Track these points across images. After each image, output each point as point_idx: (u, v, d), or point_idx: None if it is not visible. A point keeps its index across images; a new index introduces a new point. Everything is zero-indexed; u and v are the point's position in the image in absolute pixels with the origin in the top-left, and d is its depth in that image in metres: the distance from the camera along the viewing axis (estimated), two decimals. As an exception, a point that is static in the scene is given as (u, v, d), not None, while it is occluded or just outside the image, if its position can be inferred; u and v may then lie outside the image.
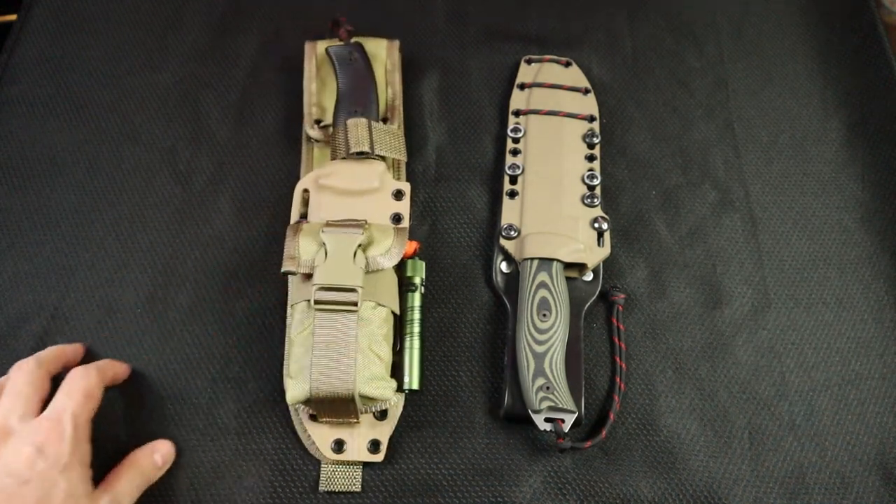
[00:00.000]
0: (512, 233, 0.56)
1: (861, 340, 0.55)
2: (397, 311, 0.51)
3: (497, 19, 0.70)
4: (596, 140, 0.61)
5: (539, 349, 0.50)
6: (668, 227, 0.59)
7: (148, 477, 0.47)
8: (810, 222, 0.60)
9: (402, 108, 0.61)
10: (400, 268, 0.53)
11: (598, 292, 0.55)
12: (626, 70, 0.67)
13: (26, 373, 0.46)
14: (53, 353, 0.49)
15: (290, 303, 0.52)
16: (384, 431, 0.49)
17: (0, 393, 0.45)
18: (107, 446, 0.47)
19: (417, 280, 0.53)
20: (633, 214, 0.59)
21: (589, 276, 0.55)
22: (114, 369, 0.49)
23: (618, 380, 0.52)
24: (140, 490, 0.46)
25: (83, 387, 0.45)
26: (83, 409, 0.44)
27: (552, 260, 0.53)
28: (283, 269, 0.50)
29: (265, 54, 0.67)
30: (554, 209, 0.57)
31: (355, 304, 0.47)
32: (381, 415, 0.50)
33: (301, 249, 0.50)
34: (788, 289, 0.57)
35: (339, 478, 0.49)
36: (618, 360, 0.53)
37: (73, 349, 0.51)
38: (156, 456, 0.47)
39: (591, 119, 0.62)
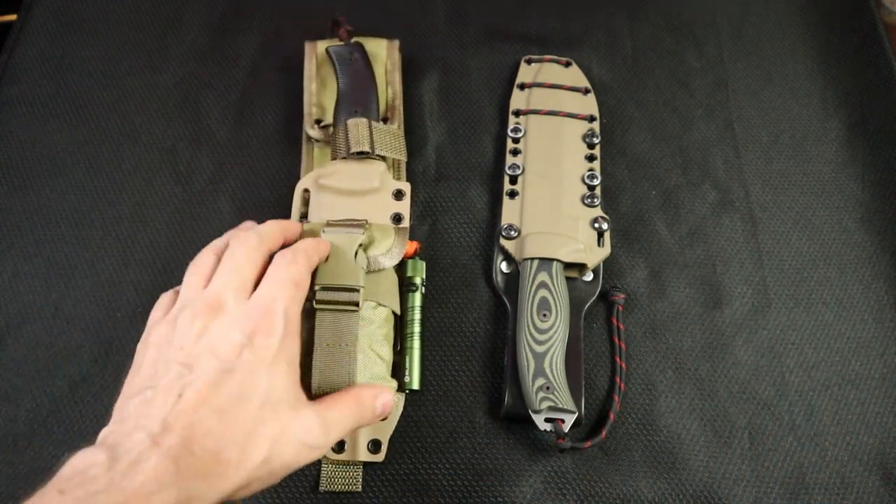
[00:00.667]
0: (512, 233, 0.56)
1: (861, 340, 0.55)
2: (398, 312, 0.51)
3: (497, 19, 0.70)
4: (596, 140, 0.61)
5: (539, 349, 0.50)
6: (668, 227, 0.59)
7: (363, 417, 0.42)
8: (810, 222, 0.60)
9: (402, 108, 0.61)
10: (400, 268, 0.53)
11: (598, 292, 0.55)
12: (626, 70, 0.67)
13: (248, 248, 0.43)
14: (274, 230, 0.45)
15: (290, 303, 0.52)
16: (385, 431, 0.49)
17: (216, 261, 0.43)
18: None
19: (418, 280, 0.53)
20: (633, 214, 0.59)
21: (589, 276, 0.55)
22: (318, 252, 0.45)
23: (618, 380, 0.52)
24: (351, 428, 0.42)
25: (293, 275, 0.42)
26: (293, 301, 0.41)
27: (552, 260, 0.53)
28: (283, 269, 0.50)
29: (265, 54, 0.67)
30: (554, 209, 0.57)
31: (356, 304, 0.47)
32: (382, 415, 0.50)
33: (301, 249, 0.50)
34: (788, 289, 0.57)
35: (339, 478, 0.49)
36: (618, 360, 0.53)
37: (293, 227, 0.48)
38: (378, 401, 0.43)
39: (591, 119, 0.62)
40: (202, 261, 0.44)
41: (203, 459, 0.35)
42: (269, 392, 0.37)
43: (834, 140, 0.65)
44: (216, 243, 0.45)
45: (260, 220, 0.57)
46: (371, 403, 0.43)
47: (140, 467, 0.33)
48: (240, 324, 0.39)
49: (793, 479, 0.50)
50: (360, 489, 0.48)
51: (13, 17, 0.70)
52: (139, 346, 0.42)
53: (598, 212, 0.57)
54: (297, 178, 0.57)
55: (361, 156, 0.56)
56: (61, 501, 0.32)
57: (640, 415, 0.51)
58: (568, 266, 0.54)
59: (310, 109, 0.60)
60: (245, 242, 0.43)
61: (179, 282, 0.55)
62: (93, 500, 0.32)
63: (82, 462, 0.34)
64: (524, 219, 0.56)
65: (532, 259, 0.53)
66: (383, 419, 0.48)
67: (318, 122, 0.59)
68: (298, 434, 0.38)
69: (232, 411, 0.36)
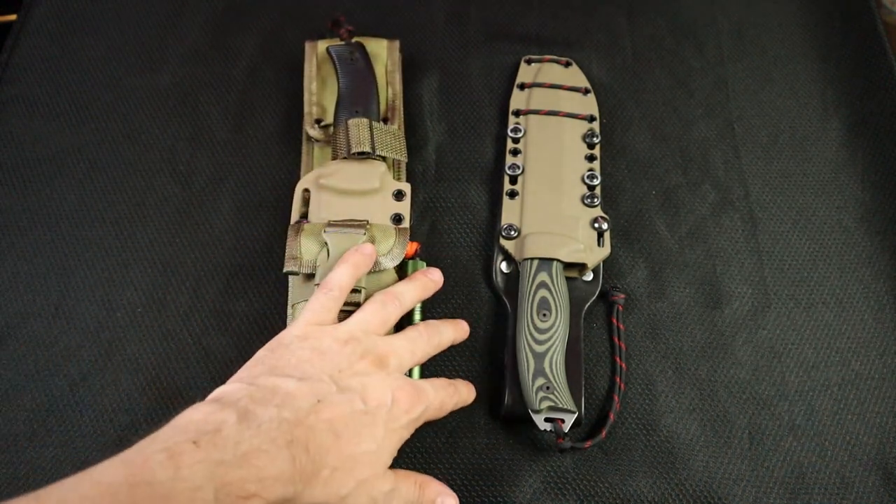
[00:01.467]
0: (512, 233, 0.56)
1: (861, 340, 0.55)
2: (398, 312, 0.51)
3: (497, 19, 0.70)
4: (596, 140, 0.61)
5: (539, 349, 0.50)
6: (668, 227, 0.59)
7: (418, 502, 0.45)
8: (810, 222, 0.60)
9: (402, 108, 0.61)
10: (401, 268, 0.53)
11: (598, 292, 0.55)
12: (626, 70, 0.67)
13: (435, 338, 0.48)
14: (459, 333, 0.51)
15: (290, 303, 0.52)
16: (385, 431, 0.49)
17: (399, 309, 0.48)
18: (106, 447, 0.47)
19: (418, 280, 0.53)
20: (633, 214, 0.59)
21: (589, 276, 0.55)
22: (463, 397, 0.49)
23: (618, 380, 0.52)
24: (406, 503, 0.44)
25: (445, 398, 0.46)
26: (434, 411, 0.45)
27: (552, 260, 0.53)
28: (284, 270, 0.50)
29: (265, 54, 0.67)
30: (554, 209, 0.57)
31: (358, 304, 0.47)
32: (382, 415, 0.50)
33: (303, 250, 0.50)
34: (788, 289, 0.57)
35: (339, 478, 0.49)
36: (618, 360, 0.53)
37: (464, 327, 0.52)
38: (438, 499, 0.45)
39: (591, 119, 0.62)
40: (386, 304, 0.47)
41: (308, 463, 0.38)
42: (380, 448, 0.41)
43: (834, 140, 0.65)
44: (405, 291, 0.49)
45: (260, 220, 0.58)
46: (430, 498, 0.45)
47: (265, 445, 0.36)
48: (392, 390, 0.43)
49: (793, 479, 0.50)
50: (360, 489, 0.48)
51: (13, 17, 0.70)
52: (297, 334, 0.44)
53: (598, 212, 0.57)
54: (297, 178, 0.57)
55: (362, 156, 0.56)
56: (196, 453, 0.35)
57: (640, 415, 0.51)
58: (568, 266, 0.54)
59: (310, 109, 0.60)
60: (438, 334, 0.48)
61: (179, 281, 0.55)
62: (224, 455, 0.35)
63: (213, 417, 0.37)
64: (524, 219, 0.56)
65: (532, 259, 0.53)
66: None
67: (318, 121, 0.59)
68: (376, 490, 0.41)
69: (349, 443, 0.40)
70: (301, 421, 0.39)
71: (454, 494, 0.45)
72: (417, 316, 0.52)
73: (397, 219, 0.54)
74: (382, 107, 0.60)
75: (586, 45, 0.68)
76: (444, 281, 0.55)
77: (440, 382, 0.47)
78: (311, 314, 0.45)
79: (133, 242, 0.57)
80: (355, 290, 0.48)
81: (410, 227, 0.55)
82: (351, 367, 0.43)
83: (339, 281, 0.47)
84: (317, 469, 0.38)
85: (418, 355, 0.47)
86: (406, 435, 0.44)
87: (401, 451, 0.48)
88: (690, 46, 0.69)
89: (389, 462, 0.43)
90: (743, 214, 0.60)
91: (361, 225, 0.51)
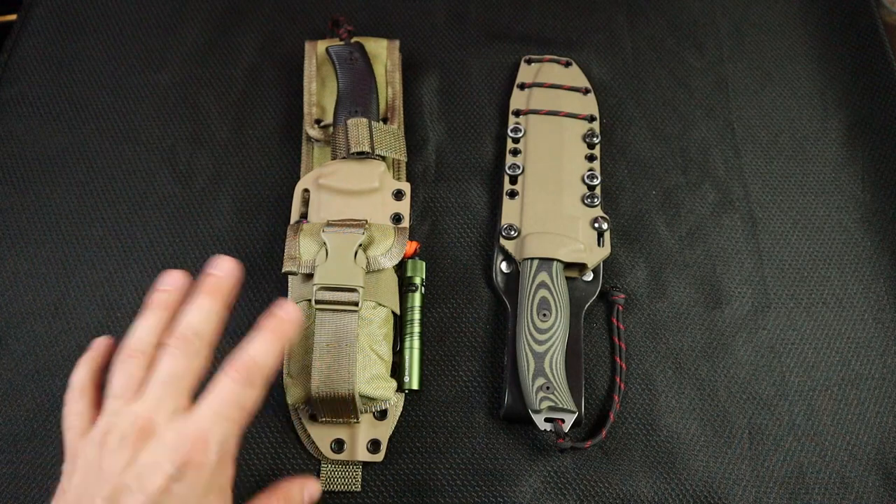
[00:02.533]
0: (512, 233, 0.56)
1: (861, 340, 0.55)
2: (398, 311, 0.51)
3: (497, 19, 0.70)
4: (596, 140, 0.61)
5: (539, 349, 0.50)
6: (668, 227, 0.59)
7: None
8: (810, 222, 0.60)
9: (402, 108, 0.61)
10: (400, 268, 0.53)
11: (598, 292, 0.54)
12: (626, 70, 0.67)
13: (187, 357, 0.38)
14: (212, 318, 0.40)
15: (290, 303, 0.52)
16: (384, 431, 0.49)
17: (146, 360, 0.38)
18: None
19: (418, 280, 0.53)
20: (633, 214, 0.59)
21: (589, 276, 0.55)
22: (281, 341, 0.40)
23: (618, 380, 0.52)
24: None
25: (242, 400, 0.38)
26: (235, 428, 0.37)
27: (552, 260, 0.53)
28: (283, 269, 0.50)
29: (265, 54, 0.67)
30: (554, 209, 0.57)
31: (356, 304, 0.47)
32: (381, 415, 0.50)
33: (302, 249, 0.50)
34: (788, 289, 0.57)
35: (338, 477, 0.49)
36: (618, 360, 0.53)
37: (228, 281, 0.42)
38: (305, 493, 0.41)
39: (591, 119, 0.62)
40: (128, 366, 0.38)
41: None
42: None
43: (834, 140, 0.65)
44: (143, 336, 0.39)
45: (260, 220, 0.58)
46: (299, 498, 0.41)
47: None
48: (170, 453, 0.35)
49: (793, 479, 0.50)
50: (359, 489, 0.48)
51: (13, 17, 0.70)
52: (66, 466, 0.38)
53: (598, 212, 0.57)
54: (297, 178, 0.57)
55: (361, 156, 0.56)
56: None
57: (640, 415, 0.51)
58: (568, 266, 0.54)
59: (310, 109, 0.60)
60: (185, 349, 0.38)
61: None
62: None
63: None
64: (524, 219, 0.56)
65: (532, 259, 0.53)
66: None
67: (318, 121, 0.60)
68: None
69: None
70: None
71: (312, 479, 0.42)
72: (417, 315, 0.52)
73: (397, 218, 0.54)
74: (382, 107, 0.60)
75: (586, 45, 0.68)
76: (444, 281, 0.55)
77: (224, 384, 0.38)
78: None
79: (133, 242, 0.57)
80: (353, 290, 0.48)
81: (410, 226, 0.55)
82: (117, 465, 0.35)
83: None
84: None
85: (187, 379, 0.38)
86: (223, 470, 0.37)
87: (400, 450, 0.49)
88: (690, 46, 0.69)
89: None
90: (743, 214, 0.60)
91: (360, 224, 0.51)
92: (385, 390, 0.48)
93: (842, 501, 0.49)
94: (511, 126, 0.62)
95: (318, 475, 0.49)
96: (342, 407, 0.47)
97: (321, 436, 0.49)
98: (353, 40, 0.62)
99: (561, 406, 0.48)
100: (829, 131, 0.65)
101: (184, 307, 0.40)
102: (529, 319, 0.51)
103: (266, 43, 0.68)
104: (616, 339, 0.53)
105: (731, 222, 0.60)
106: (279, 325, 0.40)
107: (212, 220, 0.58)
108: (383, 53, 0.63)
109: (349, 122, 0.56)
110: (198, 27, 0.68)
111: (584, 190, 0.58)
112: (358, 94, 0.59)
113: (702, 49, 0.69)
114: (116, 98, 0.64)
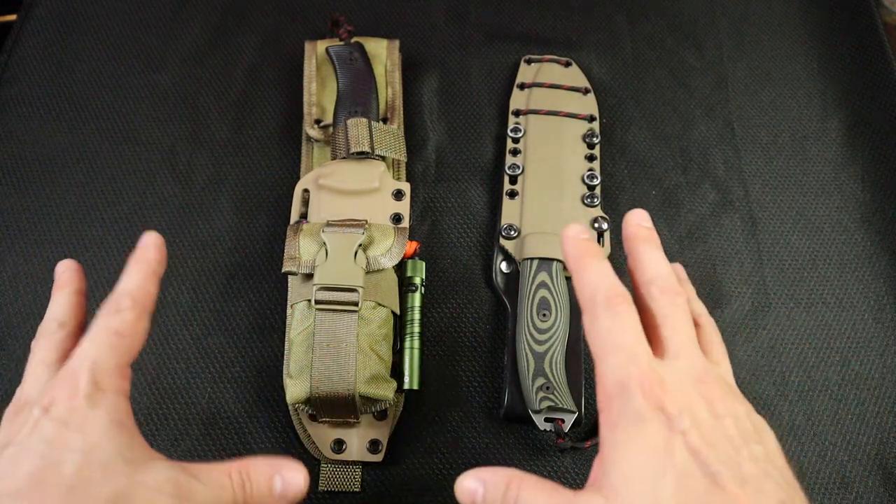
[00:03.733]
0: (512, 233, 0.56)
1: (861, 340, 0.55)
2: (398, 311, 0.51)
3: (497, 19, 0.70)
4: (596, 140, 0.61)
5: (539, 349, 0.50)
6: (668, 227, 0.59)
7: (247, 498, 0.35)
8: (810, 222, 0.60)
9: (402, 108, 0.61)
10: (400, 268, 0.53)
11: (598, 292, 0.54)
12: (626, 70, 0.67)
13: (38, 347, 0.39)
14: (70, 304, 0.40)
15: (290, 303, 0.52)
16: (384, 431, 0.49)
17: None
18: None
19: (417, 280, 0.53)
20: (633, 214, 0.59)
21: (589, 276, 0.55)
22: (148, 270, 0.39)
23: (618, 380, 0.52)
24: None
25: (113, 325, 0.36)
26: (112, 353, 0.35)
27: (552, 260, 0.53)
28: (283, 270, 0.50)
29: (265, 54, 0.67)
30: (554, 209, 0.57)
31: (356, 304, 0.47)
32: (381, 415, 0.50)
33: (302, 249, 0.50)
34: (788, 289, 0.57)
35: (338, 477, 0.49)
36: (618, 360, 0.52)
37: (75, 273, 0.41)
38: (277, 481, 0.35)
39: (591, 119, 0.62)
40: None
41: None
42: (90, 452, 0.32)
43: (834, 140, 0.65)
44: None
45: (260, 220, 0.58)
46: (266, 485, 0.35)
47: None
48: (39, 400, 0.34)
49: (793, 479, 0.50)
50: (358, 489, 0.48)
51: (13, 17, 0.70)
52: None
53: (598, 212, 0.57)
54: (297, 178, 0.57)
55: (361, 156, 0.56)
56: None
57: (639, 415, 0.51)
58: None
59: (310, 109, 0.60)
60: (37, 341, 0.39)
61: (179, 281, 0.55)
62: None
63: None
64: (524, 219, 0.56)
65: (532, 259, 0.53)
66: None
67: (317, 121, 0.60)
68: (151, 484, 0.32)
69: (37, 491, 0.31)
70: None
71: (294, 466, 0.36)
72: (417, 315, 0.52)
73: (396, 218, 0.54)
74: (382, 107, 0.60)
75: (586, 45, 0.68)
76: (444, 281, 0.55)
77: (96, 318, 0.36)
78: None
79: (133, 242, 0.57)
80: (353, 290, 0.48)
81: (410, 226, 0.55)
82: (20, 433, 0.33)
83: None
84: None
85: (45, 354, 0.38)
86: (113, 400, 0.34)
87: (400, 450, 0.48)
88: (690, 46, 0.69)
89: (142, 449, 0.34)
90: (743, 214, 0.60)
91: (360, 224, 0.51)
92: (385, 390, 0.48)
93: (842, 501, 0.49)
94: (511, 126, 0.62)
95: (317, 475, 0.49)
96: (342, 407, 0.47)
97: (321, 436, 0.49)
98: (352, 40, 0.62)
99: (561, 406, 0.48)
100: (829, 131, 0.65)
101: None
102: (529, 319, 0.51)
103: (266, 43, 0.68)
104: (616, 339, 0.53)
105: (731, 222, 0.60)
106: (139, 254, 0.41)
107: (212, 220, 0.58)
108: (383, 53, 0.63)
109: (349, 122, 0.56)
110: (198, 27, 0.68)
111: (584, 190, 0.58)
112: (358, 94, 0.59)
113: (701, 49, 0.69)
114: (116, 98, 0.64)
